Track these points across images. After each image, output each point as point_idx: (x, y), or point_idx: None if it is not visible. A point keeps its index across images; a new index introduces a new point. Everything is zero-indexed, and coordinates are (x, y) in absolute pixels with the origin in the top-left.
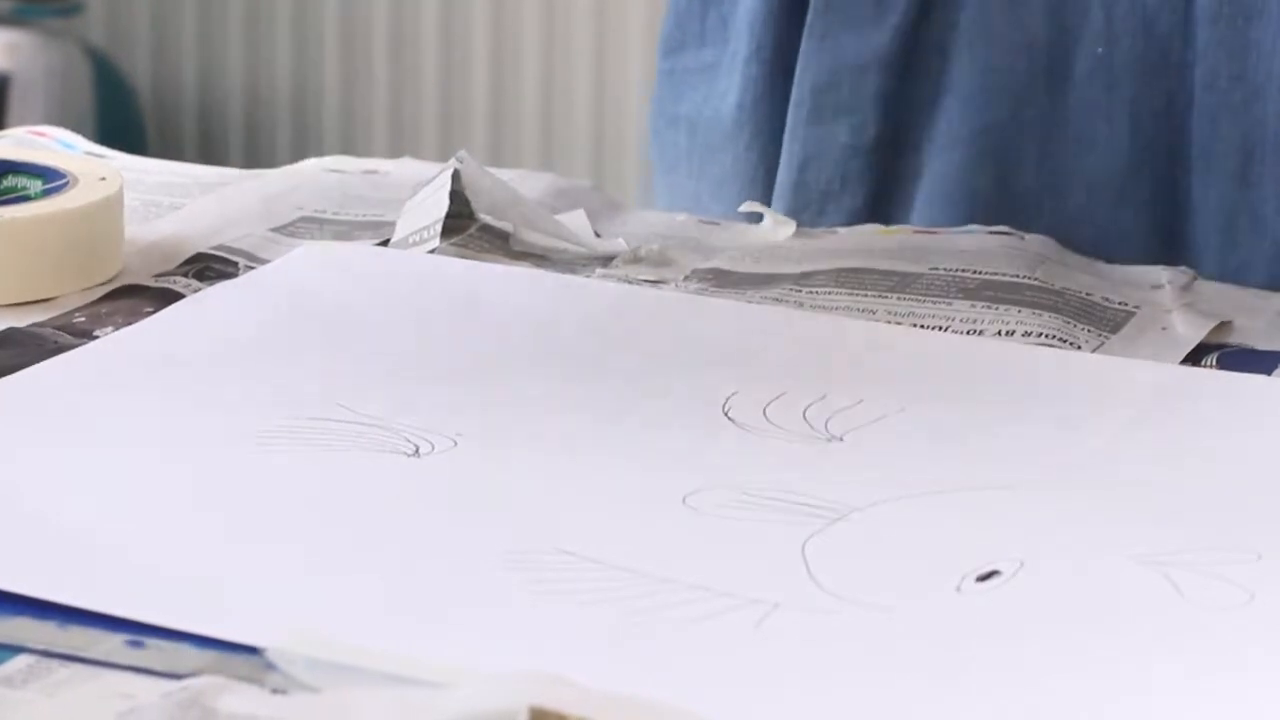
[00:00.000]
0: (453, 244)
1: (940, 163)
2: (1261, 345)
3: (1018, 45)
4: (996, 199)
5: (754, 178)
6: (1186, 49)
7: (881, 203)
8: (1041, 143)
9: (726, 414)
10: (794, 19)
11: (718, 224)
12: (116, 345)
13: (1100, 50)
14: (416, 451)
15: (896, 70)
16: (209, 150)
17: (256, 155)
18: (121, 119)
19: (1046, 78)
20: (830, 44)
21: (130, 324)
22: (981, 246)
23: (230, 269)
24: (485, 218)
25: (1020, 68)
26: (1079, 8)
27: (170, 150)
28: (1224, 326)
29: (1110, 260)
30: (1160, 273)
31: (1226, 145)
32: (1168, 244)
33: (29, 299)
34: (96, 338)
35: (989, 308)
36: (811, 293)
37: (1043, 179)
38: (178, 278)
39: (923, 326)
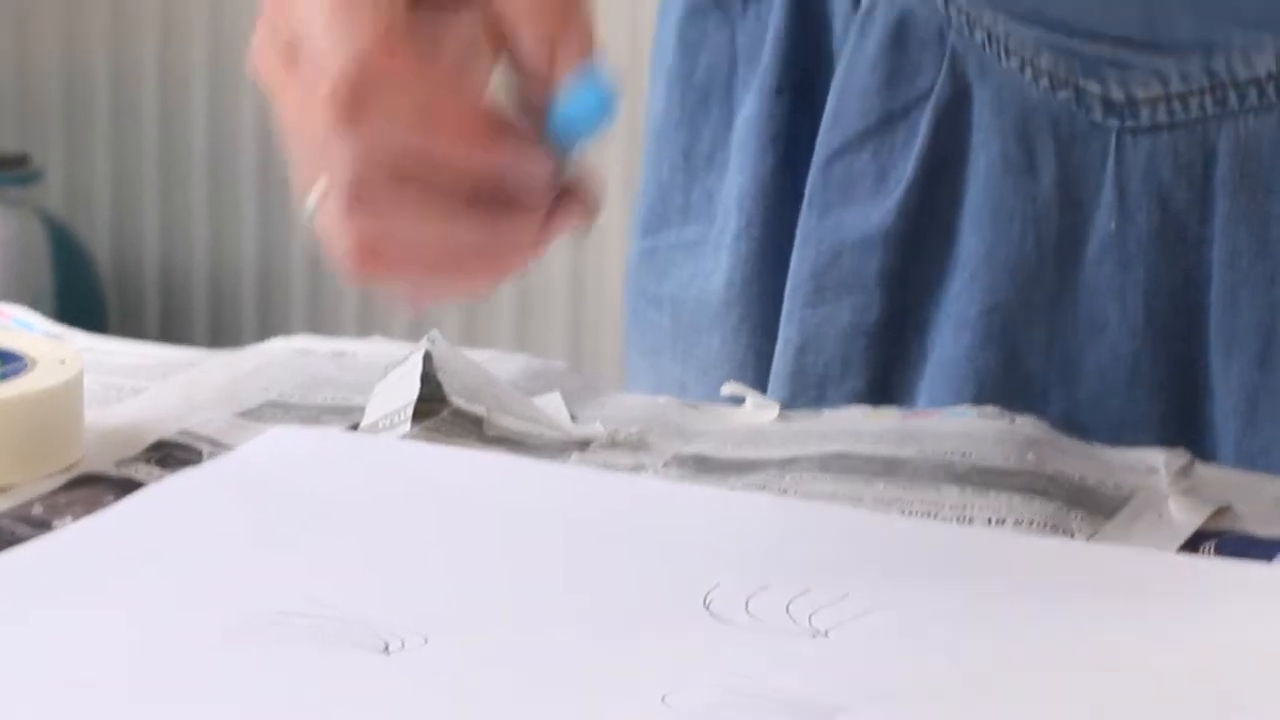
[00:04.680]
0: (424, 428)
1: (946, 344)
2: (1261, 532)
3: (1026, 221)
4: (1005, 382)
5: (744, 361)
6: (1204, 224)
7: (884, 386)
8: (1051, 323)
9: (707, 607)
10: (786, 195)
11: (698, 407)
12: (75, 537)
13: (1113, 226)
14: (386, 649)
15: (901, 247)
16: (172, 323)
17: (221, 329)
18: (81, 290)
19: (1056, 255)
20: (831, 221)
21: (90, 514)
22: (971, 429)
23: (194, 456)
24: (458, 401)
25: (1029, 245)
26: (1090, 182)
27: (132, 323)
28: (1223, 512)
29: (1124, 445)
30: (1156, 456)
31: (1247, 325)
32: (1184, 428)
33: None
34: (55, 529)
35: (979, 494)
36: (796, 479)
37: (1053, 361)
38: (140, 465)
39: (910, 514)
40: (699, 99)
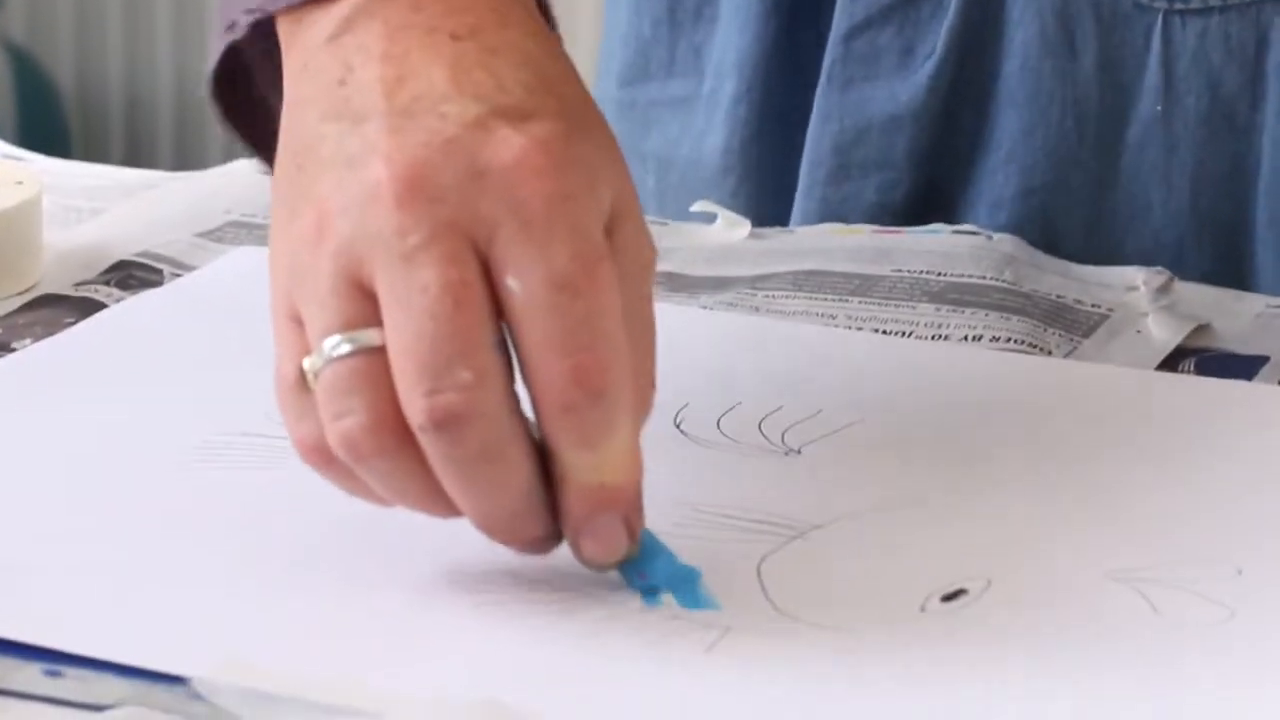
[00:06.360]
0: None
1: (980, 223)
2: (1241, 349)
3: (1065, 103)
4: None
5: None
6: (1255, 109)
7: None
8: (1091, 208)
9: (678, 426)
10: (788, 60)
11: (668, 224)
12: (35, 358)
13: (1159, 109)
14: None
15: (931, 125)
16: (136, 150)
17: (186, 155)
18: (44, 118)
19: (1097, 138)
20: (854, 96)
21: (50, 335)
22: (947, 247)
23: (155, 277)
24: None
25: (1068, 126)
26: (1135, 63)
27: (96, 150)
28: (1202, 329)
29: None
30: (1135, 274)
31: None
32: None
33: None
34: (14, 350)
35: (955, 311)
36: (768, 296)
37: (1092, 246)
38: (99, 286)
39: (885, 331)
40: None
